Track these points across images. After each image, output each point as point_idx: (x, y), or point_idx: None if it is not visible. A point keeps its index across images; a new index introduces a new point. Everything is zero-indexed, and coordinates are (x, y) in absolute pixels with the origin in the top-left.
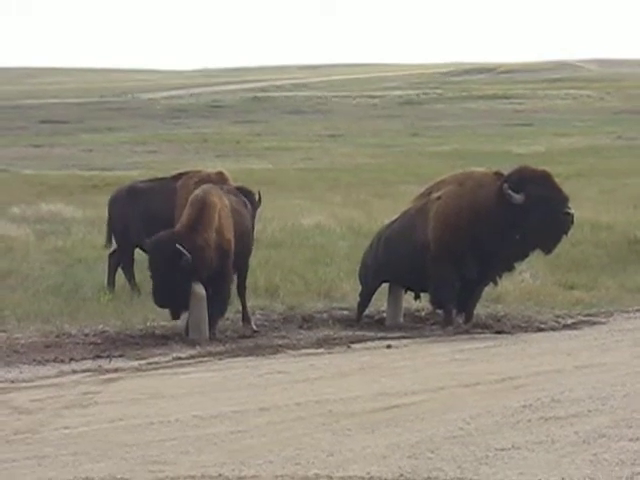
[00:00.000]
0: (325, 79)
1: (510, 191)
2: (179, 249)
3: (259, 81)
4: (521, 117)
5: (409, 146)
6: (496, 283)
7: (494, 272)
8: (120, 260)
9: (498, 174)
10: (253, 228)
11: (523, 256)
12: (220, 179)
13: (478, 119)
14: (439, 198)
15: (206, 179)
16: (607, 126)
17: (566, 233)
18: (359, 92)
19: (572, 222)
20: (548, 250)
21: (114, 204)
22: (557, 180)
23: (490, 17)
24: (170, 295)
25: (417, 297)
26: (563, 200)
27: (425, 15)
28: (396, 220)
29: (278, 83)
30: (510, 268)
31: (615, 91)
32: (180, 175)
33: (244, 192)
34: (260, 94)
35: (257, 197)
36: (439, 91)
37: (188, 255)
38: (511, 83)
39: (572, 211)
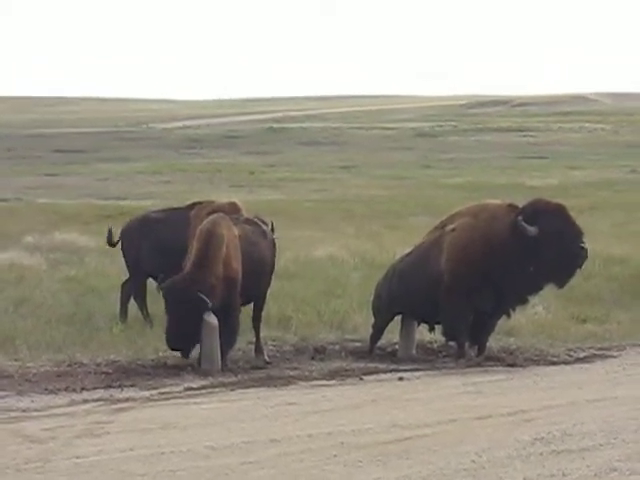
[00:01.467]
0: (339, 110)
1: (524, 223)
2: (201, 297)
3: (273, 112)
4: (535, 150)
5: (422, 178)
6: (509, 316)
7: (507, 305)
8: (132, 290)
9: (512, 206)
10: (273, 258)
11: (537, 289)
12: (233, 209)
13: (492, 151)
14: (453, 230)
15: (219, 209)
16: (620, 160)
17: (579, 267)
18: (373, 124)
19: (586, 256)
20: (561, 284)
21: (126, 234)
22: (571, 214)
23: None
24: (185, 338)
25: (432, 329)
26: (577, 234)
27: (440, 47)
28: (411, 252)
29: (292, 114)
30: (524, 301)
31: (629, 125)
32: (193, 205)
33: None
34: (275, 125)
35: (270, 227)
36: (453, 123)
37: (209, 302)
38: (525, 116)
39: (586, 245)
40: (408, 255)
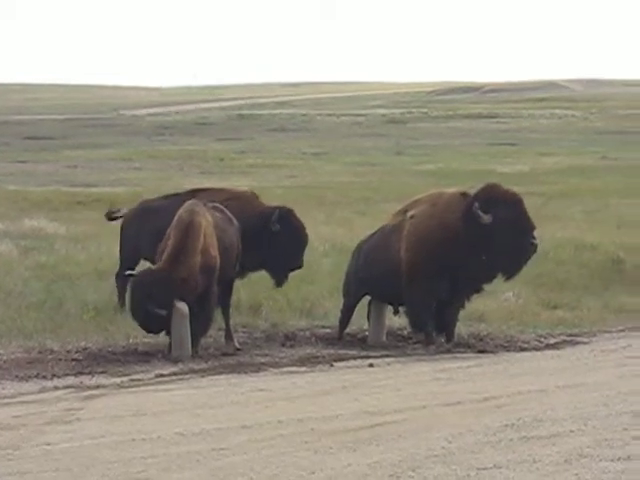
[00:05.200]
0: (309, 97)
1: (479, 211)
2: (157, 312)
3: (243, 99)
4: (506, 136)
5: (393, 164)
6: (463, 306)
7: (463, 294)
8: (119, 273)
9: (465, 194)
10: (240, 245)
11: (490, 278)
12: (250, 197)
13: (462, 138)
14: (412, 217)
15: (235, 196)
16: (591, 146)
17: (526, 262)
18: (343, 110)
19: (535, 252)
20: (509, 275)
21: (127, 221)
22: (525, 205)
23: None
24: (150, 324)
25: (396, 312)
26: (530, 228)
27: (411, 34)
28: (374, 234)
29: (262, 101)
30: (478, 290)
31: (599, 111)
32: (194, 191)
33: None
34: (245, 112)
35: (276, 216)
36: (424, 110)
37: (162, 313)
38: (496, 102)
39: (537, 241)
40: (372, 237)
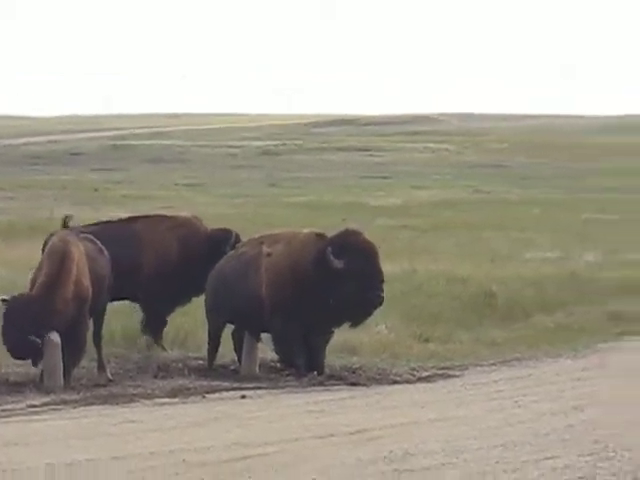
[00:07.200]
0: (185, 128)
1: (331, 256)
2: (31, 339)
3: (118, 129)
4: (380, 169)
5: (267, 196)
6: (327, 341)
7: (316, 333)
8: None
9: (320, 235)
10: (111, 275)
11: (337, 322)
12: (194, 222)
13: (336, 171)
14: (269, 255)
15: (178, 222)
16: (464, 180)
17: (371, 314)
18: (219, 142)
19: (380, 304)
20: (354, 322)
21: None
22: (378, 256)
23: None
24: (20, 350)
25: (258, 340)
26: (378, 280)
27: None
28: (230, 261)
29: (138, 131)
30: (329, 331)
31: (473, 145)
32: (135, 218)
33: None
34: (119, 142)
35: (234, 239)
36: (298, 142)
37: (38, 341)
38: (371, 135)
39: (383, 294)
40: (229, 261)
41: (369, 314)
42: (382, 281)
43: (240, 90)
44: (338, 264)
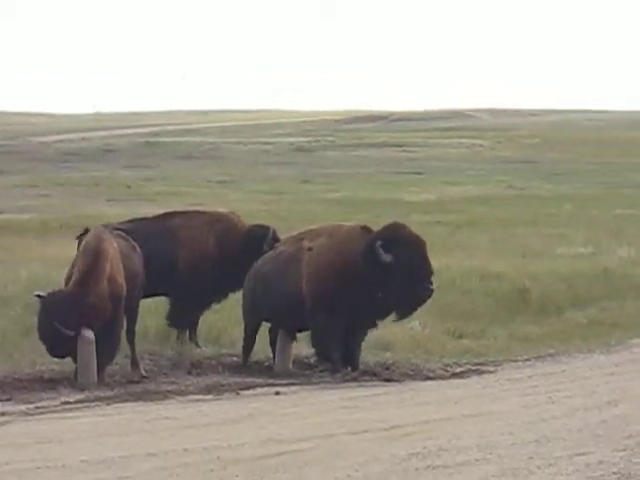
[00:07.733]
0: (217, 125)
1: (381, 249)
2: (58, 327)
3: (151, 125)
4: (413, 165)
5: (300, 193)
6: (364, 336)
7: (360, 326)
8: None
9: (365, 228)
10: (143, 271)
11: (383, 315)
12: (231, 218)
13: (369, 167)
14: (310, 249)
15: (216, 217)
16: (497, 175)
17: (420, 306)
18: (251, 138)
19: (430, 297)
20: (401, 316)
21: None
22: (427, 250)
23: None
24: (57, 346)
25: (294, 338)
26: (428, 273)
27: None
28: (269, 260)
29: (170, 128)
30: (373, 325)
31: (506, 140)
32: (172, 214)
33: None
34: (152, 139)
35: (272, 235)
36: (331, 138)
37: (70, 333)
38: (403, 131)
39: (433, 287)
40: (267, 262)
41: (419, 306)
42: (432, 274)
43: (267, 86)
44: (388, 257)
